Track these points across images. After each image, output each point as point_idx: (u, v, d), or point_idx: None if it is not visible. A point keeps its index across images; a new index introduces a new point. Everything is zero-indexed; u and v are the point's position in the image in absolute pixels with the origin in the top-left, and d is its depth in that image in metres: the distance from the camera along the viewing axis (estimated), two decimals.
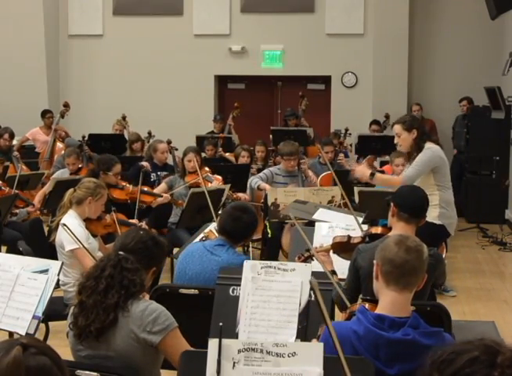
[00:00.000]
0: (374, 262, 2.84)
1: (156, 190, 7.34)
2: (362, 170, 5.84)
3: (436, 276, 4.00)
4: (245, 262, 3.44)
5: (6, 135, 9.60)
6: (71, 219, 5.05)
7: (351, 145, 10.62)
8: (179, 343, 3.01)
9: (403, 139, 5.62)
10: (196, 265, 4.17)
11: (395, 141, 5.71)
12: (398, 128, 5.66)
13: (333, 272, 4.02)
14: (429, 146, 5.54)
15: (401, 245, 2.77)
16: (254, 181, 7.65)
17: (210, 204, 5.96)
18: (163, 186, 7.38)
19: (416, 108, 11.48)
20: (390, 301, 2.73)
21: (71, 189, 5.22)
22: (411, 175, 5.47)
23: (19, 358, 1.75)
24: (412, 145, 5.58)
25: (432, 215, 5.05)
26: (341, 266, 4.24)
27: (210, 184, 7.20)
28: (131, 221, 6.23)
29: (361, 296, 3.84)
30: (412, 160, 5.56)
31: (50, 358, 1.79)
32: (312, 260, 4.20)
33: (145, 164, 7.97)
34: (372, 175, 5.70)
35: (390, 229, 4.09)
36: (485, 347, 1.70)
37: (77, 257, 4.95)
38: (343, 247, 4.21)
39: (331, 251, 4.24)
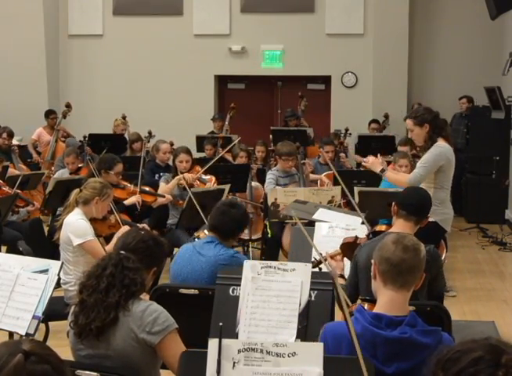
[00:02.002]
0: (372, 261, 2.84)
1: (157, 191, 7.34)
2: (374, 163, 5.70)
3: (433, 273, 3.99)
4: (245, 261, 3.44)
5: (5, 134, 9.61)
6: (77, 216, 5.08)
7: (349, 147, 10.61)
8: (177, 346, 2.99)
9: (416, 134, 5.49)
10: (187, 266, 4.22)
11: (409, 135, 5.58)
12: (409, 123, 5.51)
13: (342, 277, 4.03)
14: (439, 145, 5.42)
15: (398, 244, 2.77)
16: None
17: (197, 206, 5.98)
18: (162, 185, 7.37)
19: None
20: (387, 300, 2.74)
21: (77, 190, 5.23)
22: (418, 176, 5.37)
23: (21, 366, 1.75)
24: (426, 138, 5.45)
25: None
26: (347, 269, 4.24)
27: (205, 186, 7.20)
28: (129, 199, 6.33)
29: (360, 296, 3.85)
30: (425, 152, 5.49)
31: (52, 365, 1.79)
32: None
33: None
34: (382, 171, 5.61)
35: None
36: (490, 347, 1.71)
37: (86, 250, 4.95)
38: (351, 247, 4.21)
39: (341, 256, 4.24)
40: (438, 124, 5.53)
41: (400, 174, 5.60)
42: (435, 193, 5.36)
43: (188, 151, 7.48)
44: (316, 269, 3.94)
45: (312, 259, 4.19)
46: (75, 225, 5.02)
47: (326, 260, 4.13)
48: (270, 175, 7.74)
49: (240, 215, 4.31)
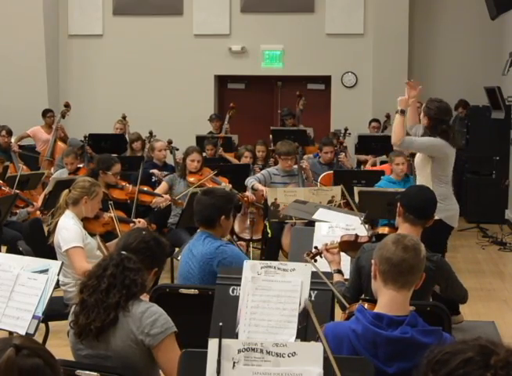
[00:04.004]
0: (372, 261, 2.84)
1: (157, 190, 7.34)
2: (402, 100, 5.90)
3: (442, 284, 3.96)
4: (245, 261, 3.43)
5: (3, 132, 9.61)
6: (67, 219, 5.03)
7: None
8: (173, 350, 2.98)
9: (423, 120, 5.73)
10: (184, 266, 4.24)
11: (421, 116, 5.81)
12: (423, 106, 5.79)
13: (339, 271, 4.02)
14: (441, 140, 5.55)
15: (398, 244, 2.77)
16: (249, 181, 7.59)
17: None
18: (163, 185, 7.37)
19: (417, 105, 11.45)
20: (388, 300, 2.73)
21: (66, 190, 5.18)
22: (411, 142, 5.58)
23: (12, 360, 1.75)
24: (418, 123, 5.75)
25: None
26: (348, 266, 4.23)
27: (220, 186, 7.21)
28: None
29: (361, 297, 3.84)
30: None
31: (43, 359, 1.79)
32: (321, 257, 4.19)
33: (156, 172, 7.95)
34: (402, 112, 5.79)
35: (397, 229, 4.08)
36: (480, 347, 1.69)
37: (68, 257, 4.91)
38: (350, 245, 4.20)
39: (337, 249, 4.22)
40: (439, 126, 5.56)
41: (400, 127, 5.68)
42: (436, 189, 5.34)
43: (200, 151, 7.51)
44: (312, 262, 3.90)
45: (307, 253, 4.17)
46: (65, 231, 4.96)
47: (322, 252, 4.14)
48: (264, 172, 7.75)
49: (212, 201, 4.23)
